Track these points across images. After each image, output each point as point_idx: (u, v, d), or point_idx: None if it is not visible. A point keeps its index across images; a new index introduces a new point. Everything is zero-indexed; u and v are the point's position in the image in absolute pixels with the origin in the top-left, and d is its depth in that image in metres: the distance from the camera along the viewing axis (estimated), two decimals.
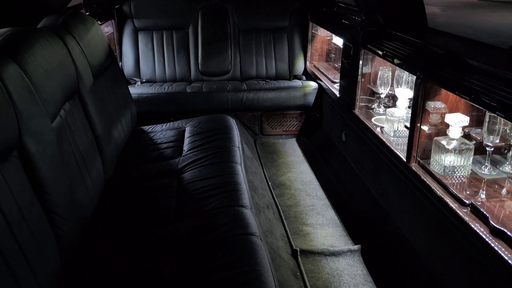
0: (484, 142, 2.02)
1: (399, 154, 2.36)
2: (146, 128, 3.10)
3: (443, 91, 2.15)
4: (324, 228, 2.69)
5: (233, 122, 3.06)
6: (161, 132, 3.01)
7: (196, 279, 1.51)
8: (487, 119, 1.99)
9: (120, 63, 4.16)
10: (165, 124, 3.15)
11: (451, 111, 2.18)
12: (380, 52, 2.68)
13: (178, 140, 2.85)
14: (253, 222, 1.84)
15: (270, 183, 3.25)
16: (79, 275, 1.63)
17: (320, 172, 3.45)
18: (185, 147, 2.71)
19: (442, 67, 2.06)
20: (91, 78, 2.38)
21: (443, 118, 2.19)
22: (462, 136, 2.09)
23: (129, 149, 2.74)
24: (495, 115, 1.89)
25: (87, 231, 1.86)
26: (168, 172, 2.42)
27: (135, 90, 3.79)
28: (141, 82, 4.11)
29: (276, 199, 3.01)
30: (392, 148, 2.45)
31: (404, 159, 2.29)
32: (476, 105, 1.90)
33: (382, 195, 2.61)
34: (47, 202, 1.54)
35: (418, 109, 2.19)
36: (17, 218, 1.38)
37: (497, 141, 2.00)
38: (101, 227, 1.92)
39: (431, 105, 2.20)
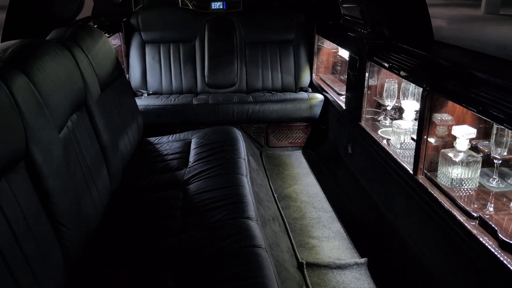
0: (492, 154, 2.00)
1: (405, 166, 2.35)
2: (152, 139, 3.11)
3: (450, 103, 2.14)
4: (330, 241, 2.67)
5: (239, 134, 3.07)
6: (167, 143, 3.02)
7: None
8: (494, 131, 1.98)
9: (127, 75, 4.19)
10: (171, 135, 3.16)
11: (458, 123, 2.17)
12: (386, 65, 2.68)
13: (184, 151, 2.85)
14: (258, 234, 1.83)
15: (276, 195, 3.23)
16: (84, 286, 1.62)
17: (326, 185, 3.43)
18: (191, 158, 2.71)
19: (448, 79, 2.05)
20: (99, 90, 2.40)
21: (450, 130, 2.18)
22: (470, 149, 2.08)
23: (135, 160, 2.75)
24: (503, 127, 1.88)
25: (92, 242, 1.86)
26: (173, 184, 2.42)
27: (141, 102, 3.81)
28: (148, 94, 4.14)
29: (282, 212, 2.99)
30: (399, 160, 2.43)
31: (411, 171, 2.27)
32: (483, 117, 1.89)
33: (388, 208, 2.59)
34: (53, 213, 1.54)
35: (424, 121, 2.18)
36: (23, 228, 1.38)
37: (505, 153, 1.98)
38: (106, 238, 1.92)
39: (438, 117, 2.19)
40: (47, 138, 1.61)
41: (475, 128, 2.09)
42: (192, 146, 2.91)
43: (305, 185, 3.45)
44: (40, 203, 1.51)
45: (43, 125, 1.60)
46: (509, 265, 1.53)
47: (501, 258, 1.57)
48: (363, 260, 2.43)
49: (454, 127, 2.10)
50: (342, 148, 3.54)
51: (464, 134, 2.05)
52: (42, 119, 1.60)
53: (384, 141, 2.74)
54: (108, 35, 3.53)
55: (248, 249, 1.70)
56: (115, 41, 3.97)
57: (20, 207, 1.40)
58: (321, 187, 3.39)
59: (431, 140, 2.22)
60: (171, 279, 1.60)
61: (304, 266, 2.37)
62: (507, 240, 1.61)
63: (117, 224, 2.03)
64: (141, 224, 2.02)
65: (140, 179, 2.51)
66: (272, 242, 2.39)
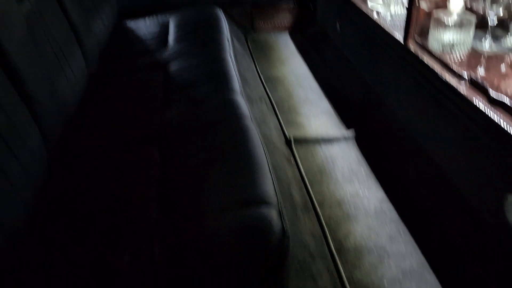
0: (487, 13, 1.89)
1: (395, 35, 2.24)
2: (129, 22, 2.93)
3: None
4: (318, 117, 2.65)
5: (220, 13, 2.89)
6: (144, 26, 2.84)
7: (186, 159, 1.48)
8: None
9: None
10: (149, 18, 2.97)
11: None
12: None
13: (163, 33, 2.69)
14: (244, 107, 1.78)
15: (262, 78, 3.15)
16: (67, 162, 1.59)
17: (314, 65, 3.33)
18: (171, 39, 2.57)
19: None
20: None
21: None
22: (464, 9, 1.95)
23: (112, 44, 2.61)
24: None
25: (73, 123, 1.80)
26: (153, 65, 2.31)
27: None
28: None
29: (268, 92, 2.93)
30: (389, 30, 2.31)
31: (401, 40, 2.17)
32: None
33: (377, 82, 2.53)
34: (23, 89, 1.46)
35: None
36: None
37: (500, 12, 1.87)
38: (87, 118, 1.86)
39: None
40: (5, 8, 1.46)
41: None
42: (171, 27, 2.75)
43: (293, 67, 3.34)
44: (8, 78, 1.42)
45: None
46: (498, 121, 1.51)
47: (491, 115, 1.54)
48: (350, 133, 2.43)
49: None
50: (330, 27, 3.38)
51: None
52: None
53: (374, 13, 2.59)
54: None
55: (233, 119, 1.66)
56: None
57: None
58: (309, 68, 3.30)
59: (423, 3, 2.08)
60: (156, 150, 1.57)
61: (292, 141, 2.37)
62: (497, 97, 1.57)
63: (97, 106, 1.96)
64: (122, 104, 1.96)
65: (119, 62, 2.39)
66: (259, 120, 2.35)
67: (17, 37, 1.49)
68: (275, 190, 1.37)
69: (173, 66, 2.22)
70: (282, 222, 1.22)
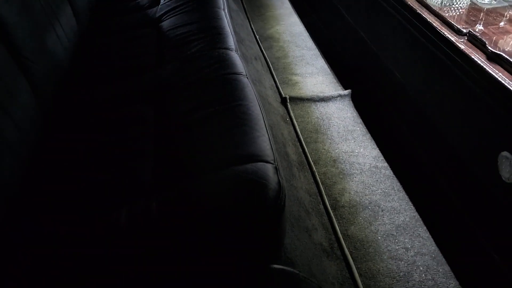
0: None
1: None
2: None
3: None
4: (314, 76, 2.62)
5: None
6: None
7: (181, 118, 1.46)
8: None
9: None
10: None
11: None
12: None
13: None
14: (239, 63, 1.74)
15: (257, 37, 3.08)
16: (60, 119, 1.57)
17: (310, 24, 3.27)
18: None
19: None
20: None
21: None
22: None
23: (102, 2, 2.52)
24: None
25: (66, 80, 1.77)
26: (146, 22, 2.25)
27: None
28: None
29: (264, 51, 2.88)
30: None
31: None
32: None
33: (375, 40, 2.49)
34: (11, 45, 1.42)
35: None
36: None
37: None
38: (79, 75, 1.82)
39: None
40: None
41: None
42: None
43: (288, 25, 3.28)
44: None
45: None
46: (496, 76, 1.49)
47: (489, 70, 1.52)
48: (346, 92, 2.41)
49: None
50: None
51: None
52: None
53: None
54: None
55: (228, 76, 1.63)
56: None
57: None
58: (305, 26, 3.23)
59: None
60: (150, 108, 1.55)
61: (288, 100, 2.35)
62: (495, 51, 1.55)
63: (89, 63, 1.91)
64: (115, 61, 1.91)
65: (110, 19, 2.32)
66: (254, 79, 2.32)
67: None
68: (271, 147, 1.36)
69: (166, 23, 2.16)
70: (278, 178, 1.22)
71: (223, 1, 2.36)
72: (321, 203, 1.80)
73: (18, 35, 1.44)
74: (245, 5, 3.59)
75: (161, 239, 1.11)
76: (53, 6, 1.86)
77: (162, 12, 2.28)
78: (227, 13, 2.25)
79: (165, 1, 2.40)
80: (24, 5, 1.56)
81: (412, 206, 1.80)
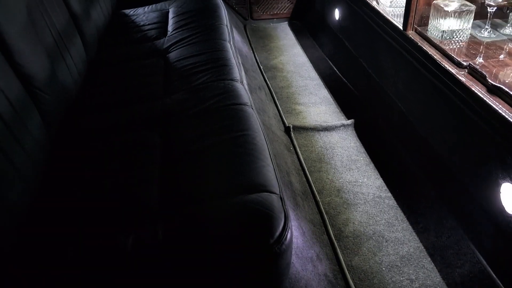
0: (486, 2, 1.90)
1: (395, 23, 2.24)
2: (127, 11, 2.91)
3: None
4: (317, 106, 2.66)
5: (219, 1, 2.87)
6: (143, 14, 2.83)
7: (187, 146, 1.48)
8: None
9: None
10: (147, 6, 2.96)
11: None
12: None
13: (162, 21, 2.69)
14: (244, 94, 1.78)
15: (261, 67, 3.15)
16: (68, 146, 1.60)
17: (313, 54, 3.33)
18: (170, 27, 2.56)
19: None
20: None
21: None
22: None
23: (111, 32, 2.60)
24: None
25: (74, 108, 1.81)
26: (154, 52, 2.31)
27: None
28: None
29: (268, 81, 2.94)
30: (389, 18, 2.32)
31: (401, 28, 2.18)
32: None
33: (377, 70, 2.54)
34: (23, 76, 1.46)
35: None
36: None
37: (500, 0, 1.88)
38: (87, 102, 1.86)
39: None
40: None
41: None
42: (170, 15, 2.74)
43: (292, 56, 3.34)
44: (9, 65, 1.42)
45: None
46: (496, 107, 1.52)
47: (490, 102, 1.55)
48: (349, 121, 2.44)
49: None
50: (329, 15, 3.37)
51: None
52: None
53: (374, 2, 2.59)
54: None
55: (233, 106, 1.66)
56: None
57: None
58: (308, 57, 3.30)
59: None
60: (157, 135, 1.58)
61: (291, 129, 2.38)
62: (495, 84, 1.58)
63: (97, 91, 1.96)
64: (123, 91, 1.95)
65: (118, 49, 2.38)
66: (258, 108, 2.36)
67: (17, 23, 1.48)
68: (276, 177, 1.38)
69: (173, 54, 2.22)
70: (283, 208, 1.23)
71: (228, 33, 2.43)
72: (325, 233, 1.81)
73: (31, 67, 1.49)
74: (249, 37, 3.68)
75: (166, 264, 1.12)
76: (65, 38, 1.92)
77: (169, 43, 2.34)
78: (232, 45, 2.31)
79: (173, 33, 2.47)
80: (38, 38, 1.62)
81: (416, 237, 1.80)
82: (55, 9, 1.93)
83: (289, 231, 1.16)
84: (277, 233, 1.13)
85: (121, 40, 2.48)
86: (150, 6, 2.96)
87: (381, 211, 1.92)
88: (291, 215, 1.62)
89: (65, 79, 1.80)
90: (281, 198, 1.27)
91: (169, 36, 2.46)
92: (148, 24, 2.66)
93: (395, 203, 1.96)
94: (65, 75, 1.81)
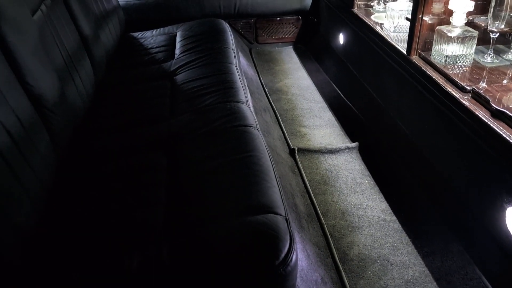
0: (489, 28, 1.93)
1: (399, 48, 2.28)
2: (135, 34, 2.98)
3: None
4: (322, 128, 2.68)
5: (226, 26, 2.94)
6: (151, 37, 2.89)
7: (193, 167, 1.50)
8: (493, 4, 1.88)
9: None
10: (155, 30, 3.02)
11: None
12: None
13: (170, 44, 2.74)
14: (250, 115, 1.80)
15: (266, 89, 3.18)
16: (76, 166, 1.62)
17: (318, 77, 3.37)
18: (177, 50, 2.61)
19: None
20: None
21: (446, 7, 2.08)
22: (466, 24, 1.99)
23: (119, 54, 2.65)
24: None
25: (81, 129, 1.83)
26: (161, 74, 2.35)
27: None
28: None
29: (272, 104, 2.97)
30: (392, 42, 2.35)
31: (405, 52, 2.21)
32: None
33: (381, 93, 2.57)
34: (34, 95, 1.49)
35: None
36: (5, 109, 1.33)
37: (502, 26, 1.91)
38: (95, 126, 1.88)
39: None
40: (18, 17, 1.50)
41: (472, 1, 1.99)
42: (178, 38, 2.79)
43: (296, 79, 3.38)
44: (20, 85, 1.45)
45: (13, 3, 1.49)
46: (500, 132, 1.53)
47: (493, 126, 1.56)
48: (354, 144, 2.45)
49: (451, 1, 1.99)
50: (333, 39, 3.42)
51: (461, 7, 1.95)
52: None
53: (378, 27, 2.64)
54: None
55: (239, 128, 1.68)
56: None
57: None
58: (312, 80, 3.33)
59: (426, 18, 2.12)
60: (163, 157, 1.59)
61: (296, 151, 2.39)
62: (499, 108, 1.60)
63: (105, 112, 1.99)
64: (130, 112, 1.98)
65: (126, 71, 2.43)
66: (264, 130, 2.38)
67: (29, 44, 1.52)
68: (282, 199, 1.39)
69: (180, 76, 2.25)
70: (289, 230, 1.24)
71: (234, 57, 2.47)
72: (329, 256, 1.80)
73: (41, 87, 1.52)
74: (255, 60, 3.73)
75: (171, 286, 1.12)
76: (74, 60, 1.96)
77: (176, 66, 2.38)
78: (238, 68, 2.35)
79: (180, 56, 2.51)
80: (48, 59, 1.65)
81: (421, 261, 1.78)
82: (66, 31, 1.98)
83: (295, 253, 1.16)
84: (283, 255, 1.13)
85: (129, 63, 2.53)
86: (158, 29, 3.02)
87: (386, 234, 1.92)
88: (296, 237, 1.62)
89: (74, 100, 1.84)
90: (286, 220, 1.27)
91: (176, 58, 2.50)
92: (156, 47, 2.71)
93: (400, 226, 1.96)
94: (74, 95, 1.84)
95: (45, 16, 1.80)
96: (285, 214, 1.29)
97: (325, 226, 1.94)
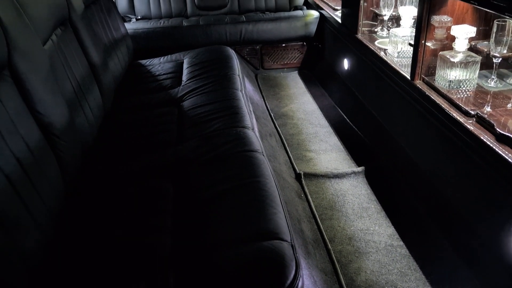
0: (491, 53, 1.95)
1: (403, 73, 2.30)
2: (143, 61, 3.04)
3: (449, 2, 2.06)
4: (328, 153, 2.68)
5: (232, 52, 2.99)
6: (159, 64, 2.94)
7: (199, 193, 1.51)
8: (494, 29, 1.91)
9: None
10: (163, 57, 3.08)
11: (457, 23, 2.09)
12: None
13: (177, 71, 2.79)
14: (255, 141, 1.82)
15: (272, 114, 3.21)
16: (83, 193, 1.63)
17: (323, 102, 3.40)
18: (184, 77, 2.66)
19: None
20: (82, 5, 2.29)
21: (448, 33, 2.11)
22: (468, 49, 2.02)
23: (127, 81, 2.70)
24: (503, 23, 1.82)
25: (90, 156, 1.86)
26: (168, 101, 2.38)
27: (130, 26, 3.67)
28: (136, 19, 3.98)
29: (278, 128, 2.99)
30: (396, 68, 2.38)
31: (409, 77, 2.23)
32: (483, 9, 1.81)
33: (386, 118, 2.58)
34: (45, 124, 1.52)
35: (423, 23, 2.10)
36: (16, 137, 1.36)
37: (505, 51, 1.93)
38: (103, 152, 1.91)
39: (436, 19, 2.11)
40: (30, 47, 1.54)
41: (474, 27, 2.02)
42: (185, 65, 2.85)
43: (302, 104, 3.41)
44: (30, 113, 1.48)
45: (24, 33, 1.54)
46: (506, 157, 1.53)
47: (498, 151, 1.56)
48: (360, 169, 2.45)
49: (453, 27, 2.03)
50: (338, 65, 3.47)
51: (464, 33, 1.98)
52: (22, 26, 1.53)
53: (382, 52, 2.67)
54: None
55: (245, 153, 1.70)
56: None
57: (10, 116, 1.36)
58: (318, 105, 3.36)
59: (429, 44, 2.15)
60: (169, 183, 1.60)
61: (302, 176, 2.39)
62: (504, 132, 1.60)
63: (113, 139, 2.01)
64: (137, 137, 2.01)
65: (133, 98, 2.47)
66: (269, 155, 2.39)
67: (40, 73, 1.56)
68: (288, 224, 1.39)
69: (187, 103, 2.29)
70: (295, 256, 1.23)
71: (240, 83, 2.51)
72: (337, 282, 1.78)
73: (51, 115, 1.55)
74: (260, 85, 3.78)
75: None
76: (83, 87, 2.00)
77: (183, 92, 2.42)
78: (244, 94, 2.39)
79: (187, 82, 2.56)
80: (58, 87, 1.69)
81: (429, 287, 1.76)
82: (75, 59, 2.03)
83: (300, 279, 1.16)
84: (288, 282, 1.12)
85: (137, 89, 2.58)
86: (166, 56, 3.08)
87: (393, 260, 1.90)
88: (302, 263, 1.61)
89: (83, 127, 1.87)
90: (292, 246, 1.27)
91: (183, 85, 2.54)
92: (163, 74, 2.76)
93: (407, 251, 1.94)
94: (82, 123, 1.87)
95: (55, 45, 1.85)
96: (291, 240, 1.28)
97: (331, 252, 1.93)
